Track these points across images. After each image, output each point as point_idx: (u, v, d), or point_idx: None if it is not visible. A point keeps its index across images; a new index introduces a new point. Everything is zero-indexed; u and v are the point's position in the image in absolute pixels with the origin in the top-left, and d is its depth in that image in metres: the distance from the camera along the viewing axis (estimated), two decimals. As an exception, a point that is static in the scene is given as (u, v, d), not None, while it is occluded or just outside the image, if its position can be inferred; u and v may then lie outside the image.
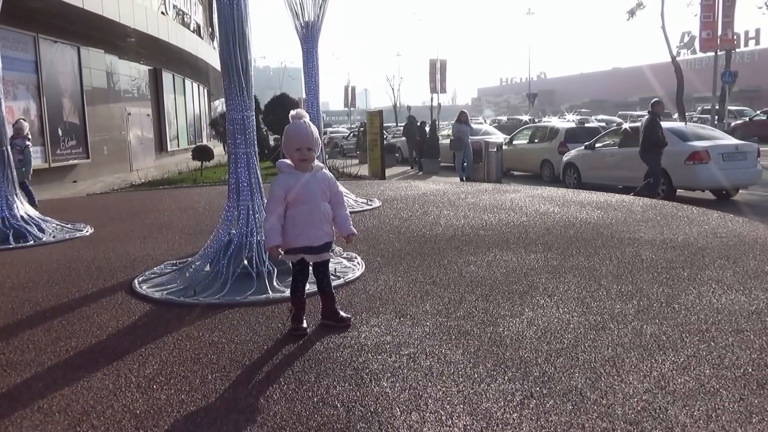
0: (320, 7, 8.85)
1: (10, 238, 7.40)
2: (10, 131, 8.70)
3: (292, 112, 3.83)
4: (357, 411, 2.84)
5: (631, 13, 28.27)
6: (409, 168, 19.97)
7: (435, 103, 42.93)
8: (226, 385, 3.17)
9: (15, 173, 8.12)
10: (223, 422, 2.80)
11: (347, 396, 3.00)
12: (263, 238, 5.15)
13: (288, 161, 3.78)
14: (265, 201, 5.35)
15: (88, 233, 7.94)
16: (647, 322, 3.90)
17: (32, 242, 7.40)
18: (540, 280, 4.92)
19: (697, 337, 3.63)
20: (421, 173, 18.16)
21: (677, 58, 26.25)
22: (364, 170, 16.76)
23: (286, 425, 2.75)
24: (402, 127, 24.25)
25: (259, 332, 3.95)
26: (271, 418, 2.82)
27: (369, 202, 9.44)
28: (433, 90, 41.37)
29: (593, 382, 3.07)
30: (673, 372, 3.17)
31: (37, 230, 7.68)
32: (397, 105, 55.26)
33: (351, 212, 8.59)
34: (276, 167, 3.85)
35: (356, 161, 21.15)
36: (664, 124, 13.63)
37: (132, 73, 21.72)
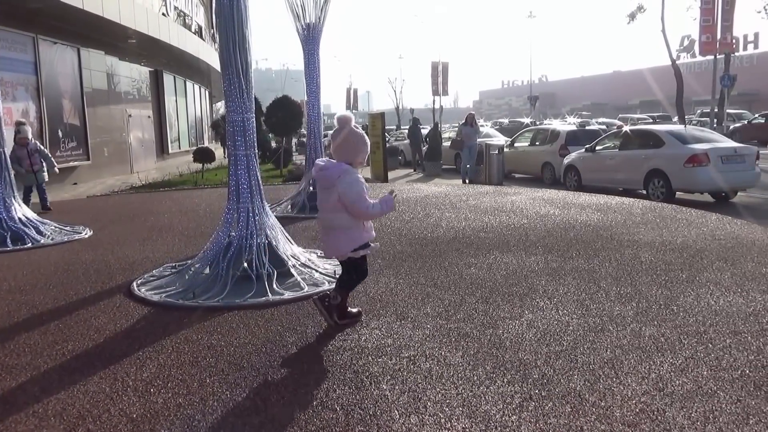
0: (321, 9, 8.86)
1: (8, 240, 7.35)
2: (8, 134, 8.70)
3: (344, 117, 3.81)
4: (356, 414, 2.84)
5: (632, 16, 28.27)
6: (412, 170, 19.95)
7: (437, 106, 42.92)
8: (224, 389, 3.16)
9: (12, 175, 8.01)
10: (220, 426, 2.79)
11: (346, 399, 2.99)
12: (263, 240, 5.16)
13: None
14: (265, 204, 5.38)
15: (87, 236, 7.92)
16: (646, 324, 3.90)
17: (30, 245, 7.36)
18: (540, 282, 4.92)
19: (695, 339, 3.63)
20: (422, 175, 18.15)
21: (677, 62, 26.23)
22: (366, 173, 16.76)
23: (284, 429, 2.74)
24: (406, 130, 24.22)
25: (258, 335, 3.95)
26: (270, 421, 2.81)
27: (369, 205, 9.43)
28: (435, 92, 41.37)
29: (592, 384, 3.07)
30: (671, 374, 3.17)
31: (35, 232, 7.63)
32: (399, 107, 55.25)
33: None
34: (346, 169, 3.73)
35: (358, 163, 21.11)
36: (663, 127, 13.64)
37: (133, 74, 21.73)
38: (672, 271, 5.15)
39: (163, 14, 22.67)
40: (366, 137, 3.84)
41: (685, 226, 7.20)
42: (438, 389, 3.06)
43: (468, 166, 15.38)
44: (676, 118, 28.41)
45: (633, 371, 3.22)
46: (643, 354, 3.43)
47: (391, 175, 16.89)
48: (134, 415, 2.91)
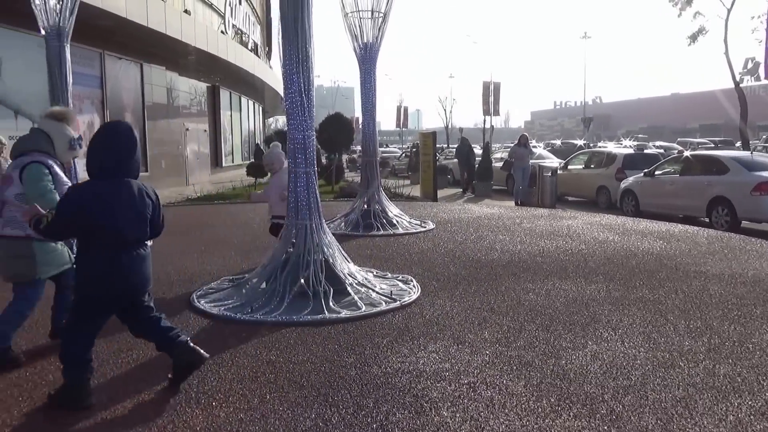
0: (379, 29, 8.94)
1: None
2: None
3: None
4: (418, 441, 2.78)
5: (693, 38, 27.47)
6: (461, 190, 19.81)
7: (487, 125, 42.58)
8: (285, 407, 3.15)
9: None
10: (282, 444, 2.77)
11: (407, 424, 2.93)
12: (320, 257, 5.16)
13: None
14: (323, 221, 5.39)
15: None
16: (719, 361, 3.71)
17: None
18: (602, 311, 4.76)
19: (776, 381, 3.43)
20: (473, 195, 17.98)
21: (740, 85, 25.30)
22: (416, 191, 16.71)
23: (345, 451, 2.70)
24: (454, 149, 24.13)
25: (316, 353, 3.93)
26: (331, 443, 2.77)
27: (423, 224, 9.38)
28: (486, 112, 41.07)
29: (665, 424, 2.92)
30: (751, 417, 3.00)
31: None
32: (449, 126, 55.27)
33: (405, 234, 8.59)
34: None
35: (408, 182, 21.11)
36: (727, 153, 13.14)
37: (191, 89, 22.40)
38: (744, 306, 4.89)
39: (222, 32, 23.35)
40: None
41: (755, 258, 6.86)
42: (501, 419, 2.97)
43: (520, 187, 15.18)
44: (739, 143, 27.36)
45: (708, 412, 3.05)
46: (719, 394, 3.26)
47: (440, 194, 16.79)
48: (198, 428, 2.93)
